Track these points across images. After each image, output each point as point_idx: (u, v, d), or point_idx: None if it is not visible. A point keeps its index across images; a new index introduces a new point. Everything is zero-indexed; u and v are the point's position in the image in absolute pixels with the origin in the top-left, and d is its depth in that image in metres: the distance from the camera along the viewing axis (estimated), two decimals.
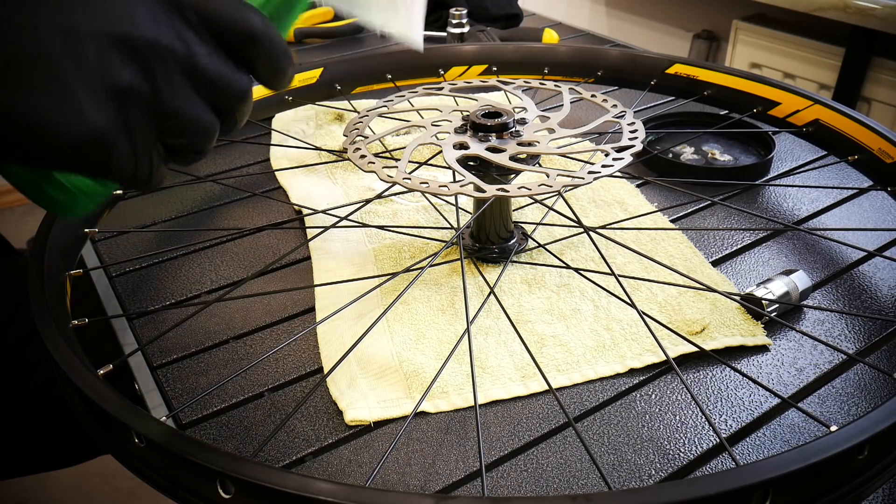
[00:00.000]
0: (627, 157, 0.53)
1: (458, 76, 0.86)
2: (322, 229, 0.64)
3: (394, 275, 0.58)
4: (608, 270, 0.54)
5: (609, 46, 0.86)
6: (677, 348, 0.53)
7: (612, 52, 0.83)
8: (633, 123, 0.58)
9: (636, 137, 0.56)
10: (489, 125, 0.56)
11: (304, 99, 0.83)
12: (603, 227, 0.63)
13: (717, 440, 0.47)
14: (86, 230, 0.60)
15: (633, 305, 0.48)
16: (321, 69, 0.84)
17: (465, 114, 0.59)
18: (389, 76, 0.85)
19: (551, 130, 0.58)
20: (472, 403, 0.50)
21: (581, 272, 0.58)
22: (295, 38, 1.14)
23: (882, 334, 0.55)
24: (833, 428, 0.35)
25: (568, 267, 0.59)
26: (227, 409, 0.50)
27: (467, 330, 0.47)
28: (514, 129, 0.57)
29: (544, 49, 0.86)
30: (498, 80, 0.69)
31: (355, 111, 0.83)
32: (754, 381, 0.48)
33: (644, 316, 0.48)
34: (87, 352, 0.45)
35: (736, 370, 0.50)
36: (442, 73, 0.86)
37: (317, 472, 0.45)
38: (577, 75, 0.84)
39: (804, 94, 0.68)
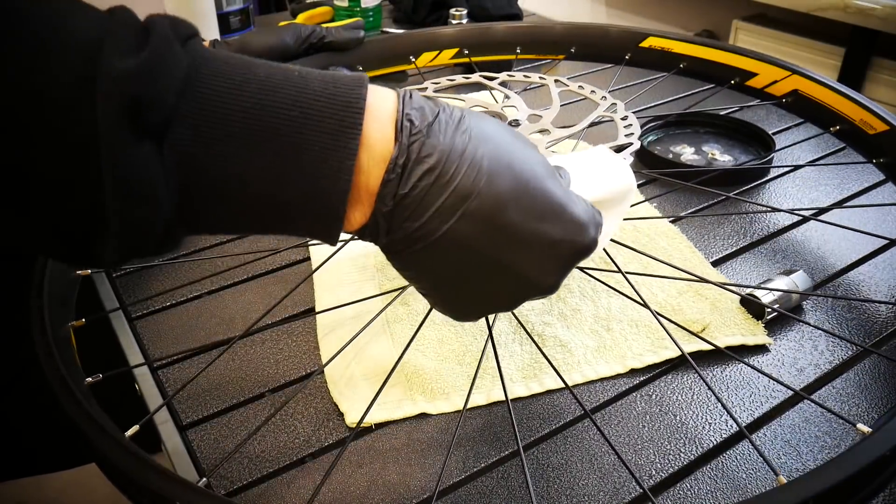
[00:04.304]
0: (628, 156, 0.53)
1: (430, 62, 0.84)
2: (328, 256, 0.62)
3: (402, 289, 0.57)
4: (613, 269, 0.54)
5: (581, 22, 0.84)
6: (683, 346, 0.53)
7: (584, 27, 0.81)
8: (626, 118, 0.57)
9: (632, 133, 0.55)
10: None
11: None
12: None
13: (717, 440, 0.47)
14: (77, 272, 0.57)
15: (645, 305, 0.48)
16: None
17: None
18: (360, 67, 0.83)
19: (546, 132, 0.58)
20: (474, 404, 0.50)
21: (586, 270, 0.57)
22: None
23: (883, 334, 0.55)
24: (862, 428, 0.35)
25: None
26: (227, 410, 0.50)
27: (490, 336, 0.47)
28: None
29: (515, 28, 0.84)
30: (481, 76, 0.68)
31: None
32: (770, 377, 0.48)
33: (658, 316, 0.48)
34: (86, 349, 0.45)
35: (751, 366, 0.50)
36: (413, 59, 0.84)
37: (316, 473, 0.45)
38: (549, 53, 0.82)
39: (781, 65, 0.67)
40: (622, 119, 0.58)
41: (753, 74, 0.69)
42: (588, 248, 0.37)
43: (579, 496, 0.44)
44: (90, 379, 0.45)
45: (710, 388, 0.44)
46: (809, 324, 0.55)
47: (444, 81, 0.70)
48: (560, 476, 0.45)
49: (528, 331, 0.55)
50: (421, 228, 0.33)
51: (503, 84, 0.67)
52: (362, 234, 0.35)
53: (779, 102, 0.69)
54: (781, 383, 0.44)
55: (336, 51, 0.79)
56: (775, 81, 0.67)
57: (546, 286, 0.37)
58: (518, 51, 0.83)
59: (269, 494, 0.44)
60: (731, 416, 0.43)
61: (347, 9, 1.17)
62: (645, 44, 0.77)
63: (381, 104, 0.33)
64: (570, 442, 0.47)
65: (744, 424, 0.48)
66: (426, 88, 0.68)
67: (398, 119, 0.33)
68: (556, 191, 0.36)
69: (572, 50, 0.81)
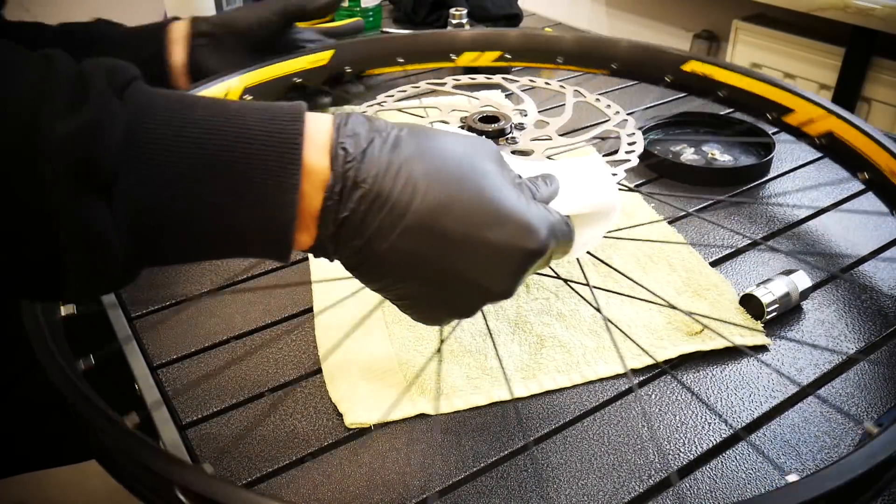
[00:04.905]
0: (621, 172, 0.52)
1: (472, 61, 0.85)
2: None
3: None
4: (582, 282, 0.54)
5: (625, 38, 0.83)
6: (677, 348, 0.53)
7: (627, 45, 0.80)
8: (633, 134, 0.57)
9: (633, 151, 0.55)
10: (485, 131, 0.56)
11: (314, 81, 0.82)
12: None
13: (717, 441, 0.47)
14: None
15: (598, 309, 0.48)
16: (332, 51, 0.82)
17: (463, 115, 0.59)
18: (401, 60, 0.83)
19: (548, 138, 0.58)
20: (472, 405, 0.50)
21: (569, 283, 0.57)
22: None
23: (882, 334, 0.55)
24: (869, 426, 0.36)
25: (558, 277, 0.59)
26: (227, 410, 0.50)
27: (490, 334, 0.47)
28: (510, 136, 0.56)
29: (559, 38, 0.83)
30: (503, 78, 0.68)
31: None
32: (778, 371, 0.48)
33: (613, 327, 0.48)
34: (83, 339, 0.44)
35: (760, 360, 0.50)
36: (454, 57, 0.84)
37: (316, 473, 0.45)
38: (591, 66, 0.82)
39: (819, 104, 0.65)
40: (629, 135, 0.57)
41: (790, 111, 0.68)
42: (538, 251, 0.37)
43: (579, 496, 0.44)
44: (83, 365, 0.46)
45: (695, 395, 0.45)
46: (797, 341, 0.55)
47: (464, 79, 0.70)
48: (559, 476, 0.45)
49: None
50: (365, 247, 0.35)
51: (523, 87, 0.67)
52: (314, 252, 0.37)
53: (812, 142, 0.67)
54: (787, 377, 0.44)
55: (315, 17, 0.78)
56: (811, 120, 0.66)
57: (500, 291, 0.38)
58: (559, 60, 0.82)
59: (269, 494, 0.44)
60: (724, 419, 0.43)
61: (347, 9, 1.17)
62: (686, 67, 0.76)
63: (316, 135, 0.35)
64: (570, 442, 0.47)
65: (744, 424, 0.48)
66: (445, 84, 0.68)
67: (332, 147, 0.35)
68: (502, 197, 0.36)
69: (613, 66, 0.80)
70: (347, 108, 0.85)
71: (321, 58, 0.82)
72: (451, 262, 0.36)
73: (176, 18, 0.75)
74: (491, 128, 0.56)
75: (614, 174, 0.52)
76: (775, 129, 0.73)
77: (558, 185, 0.42)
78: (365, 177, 0.34)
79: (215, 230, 0.34)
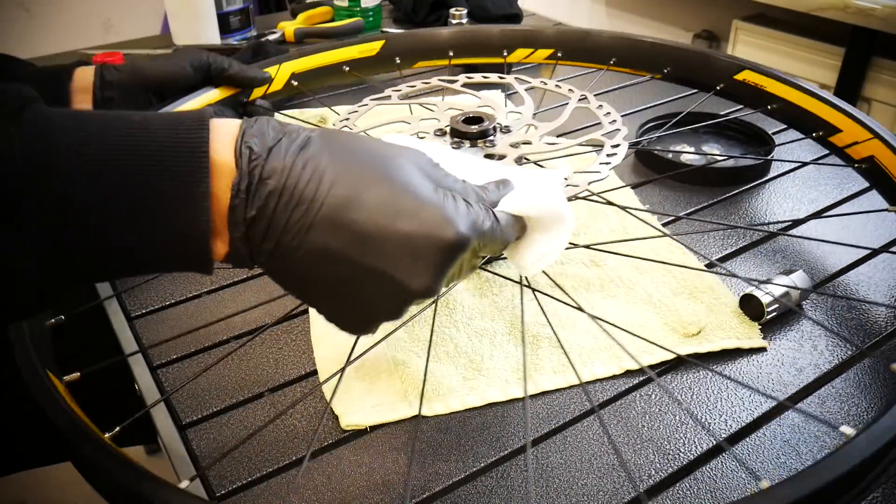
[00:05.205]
0: (584, 184, 0.51)
1: (524, 58, 0.84)
2: None
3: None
4: (573, 304, 0.54)
5: (682, 43, 0.81)
6: (674, 349, 0.53)
7: (683, 50, 0.78)
8: (618, 146, 0.56)
9: (608, 164, 0.54)
10: (467, 132, 0.55)
11: (362, 71, 0.82)
12: (587, 245, 0.62)
13: (717, 440, 0.47)
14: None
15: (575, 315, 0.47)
16: (383, 41, 0.82)
17: (454, 114, 0.58)
18: (451, 53, 0.83)
19: (529, 143, 0.57)
20: (467, 405, 0.50)
21: (536, 292, 0.55)
22: (295, 38, 1.14)
23: (882, 333, 0.55)
24: (846, 430, 0.35)
25: (531, 288, 0.59)
26: (227, 410, 0.50)
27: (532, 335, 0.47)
28: (490, 139, 0.56)
29: (614, 39, 0.82)
30: (516, 79, 0.68)
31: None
32: (749, 387, 0.48)
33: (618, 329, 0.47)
34: (87, 343, 0.44)
35: (731, 378, 0.50)
36: (506, 54, 0.84)
37: (315, 473, 0.45)
38: (643, 69, 0.80)
39: (867, 126, 0.62)
40: (612, 146, 0.56)
41: (838, 130, 0.65)
42: (456, 244, 0.36)
43: (578, 496, 0.44)
44: (67, 378, 0.45)
45: (680, 404, 0.45)
46: (814, 321, 0.55)
47: (477, 77, 0.70)
48: (559, 476, 0.45)
49: (523, 332, 0.55)
50: (278, 247, 0.35)
51: (528, 89, 0.66)
52: (232, 261, 0.36)
53: (852, 166, 0.64)
54: (763, 393, 0.44)
55: (236, 86, 0.73)
56: (856, 143, 0.63)
57: (420, 287, 0.36)
58: (612, 62, 0.81)
59: (269, 494, 0.44)
60: (707, 428, 0.43)
61: (347, 9, 1.17)
62: (739, 76, 0.74)
63: (223, 136, 0.34)
64: (570, 442, 0.47)
65: (743, 425, 0.48)
66: (456, 81, 0.68)
67: (237, 146, 0.34)
68: (415, 190, 0.35)
69: (666, 70, 0.79)
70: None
71: (371, 48, 0.81)
72: (363, 256, 0.35)
73: (85, 63, 0.70)
74: (474, 129, 0.55)
75: (576, 185, 0.51)
76: (827, 152, 0.69)
77: (511, 189, 0.41)
78: (271, 174, 0.34)
79: (131, 248, 0.33)
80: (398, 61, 0.83)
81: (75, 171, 0.31)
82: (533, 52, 0.84)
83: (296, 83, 0.77)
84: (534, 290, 0.51)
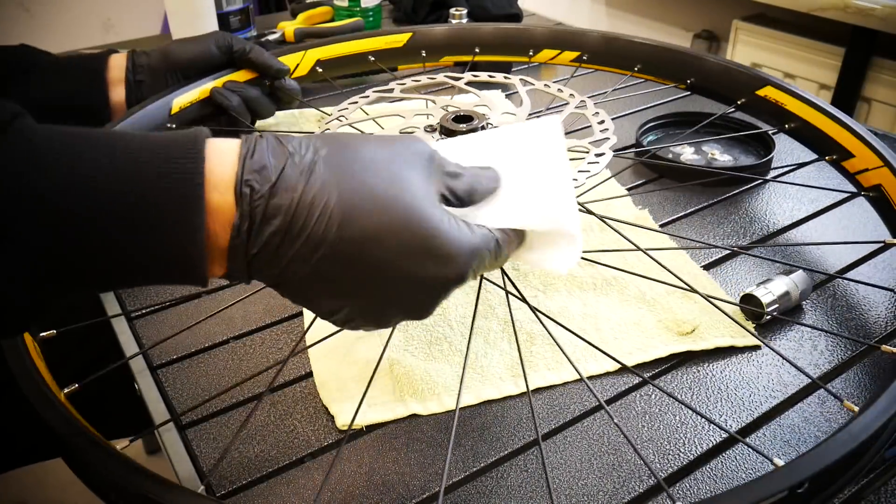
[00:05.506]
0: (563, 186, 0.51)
1: (550, 59, 0.84)
2: None
3: None
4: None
5: (708, 54, 0.79)
6: (667, 347, 0.53)
7: (708, 61, 0.77)
8: (602, 155, 0.56)
9: (587, 171, 0.54)
10: (455, 130, 0.56)
11: (387, 62, 0.82)
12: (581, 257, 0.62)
13: (717, 440, 0.47)
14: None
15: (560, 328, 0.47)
16: (410, 34, 0.82)
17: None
18: (477, 49, 0.83)
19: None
20: (464, 404, 0.50)
21: (511, 296, 0.54)
22: (295, 38, 1.14)
23: (883, 333, 0.55)
24: (848, 403, 0.36)
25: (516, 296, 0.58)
26: (227, 409, 0.50)
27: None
28: None
29: (640, 46, 0.81)
30: (521, 80, 0.68)
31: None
32: (790, 362, 0.48)
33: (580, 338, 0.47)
34: (83, 350, 0.44)
35: (777, 352, 0.50)
36: (531, 53, 0.84)
37: (316, 473, 0.45)
38: (668, 78, 0.80)
39: (879, 153, 0.61)
40: (596, 155, 0.56)
41: (851, 156, 0.64)
42: (457, 280, 0.36)
43: (579, 496, 0.44)
44: (67, 390, 0.44)
45: (680, 401, 0.45)
46: (806, 325, 0.55)
47: (483, 76, 0.70)
48: (559, 476, 0.45)
49: (517, 329, 0.54)
50: (282, 275, 0.35)
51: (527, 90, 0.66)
52: (229, 279, 0.36)
53: (860, 193, 0.63)
54: (798, 367, 0.44)
55: (254, 70, 0.76)
56: (866, 170, 0.63)
57: (416, 314, 0.38)
58: (637, 68, 0.80)
59: (269, 494, 0.44)
60: (713, 421, 0.43)
61: (347, 9, 1.17)
62: (762, 91, 0.72)
63: (219, 171, 0.33)
64: (569, 441, 0.47)
65: (743, 424, 0.48)
66: (461, 79, 0.68)
67: (237, 185, 0.33)
68: (428, 224, 0.35)
69: (689, 81, 0.78)
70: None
71: (398, 40, 0.82)
72: (369, 288, 0.35)
73: (114, 51, 0.73)
74: (462, 127, 0.56)
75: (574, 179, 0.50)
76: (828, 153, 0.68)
77: (497, 183, 0.40)
78: (276, 213, 0.33)
79: (119, 277, 0.33)
80: (423, 54, 0.83)
81: (64, 194, 0.31)
82: (560, 54, 0.84)
83: (320, 70, 0.78)
84: (508, 293, 0.51)
